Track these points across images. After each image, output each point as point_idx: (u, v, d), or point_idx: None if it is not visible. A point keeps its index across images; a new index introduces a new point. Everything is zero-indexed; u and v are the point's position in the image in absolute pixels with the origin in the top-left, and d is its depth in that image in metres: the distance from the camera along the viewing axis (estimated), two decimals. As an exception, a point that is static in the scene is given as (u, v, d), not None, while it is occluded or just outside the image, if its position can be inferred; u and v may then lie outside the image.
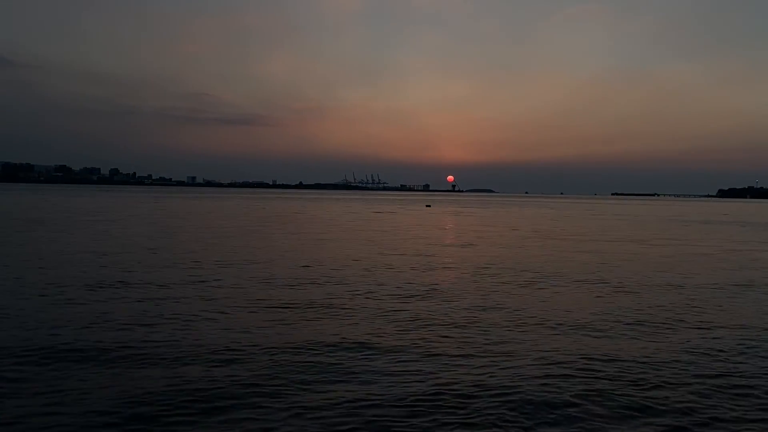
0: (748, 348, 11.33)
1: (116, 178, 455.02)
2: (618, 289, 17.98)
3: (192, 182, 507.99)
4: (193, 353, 10.15)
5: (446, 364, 9.90)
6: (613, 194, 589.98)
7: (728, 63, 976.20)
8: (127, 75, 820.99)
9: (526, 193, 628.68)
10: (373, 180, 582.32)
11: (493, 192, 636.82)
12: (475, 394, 8.51)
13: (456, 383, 8.91)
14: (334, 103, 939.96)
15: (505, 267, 22.71)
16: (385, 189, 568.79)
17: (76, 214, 53.17)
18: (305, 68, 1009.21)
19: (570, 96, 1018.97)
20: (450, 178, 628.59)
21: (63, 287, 15.98)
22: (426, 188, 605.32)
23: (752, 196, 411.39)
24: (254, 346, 10.67)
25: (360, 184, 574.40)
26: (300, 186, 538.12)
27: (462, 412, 7.90)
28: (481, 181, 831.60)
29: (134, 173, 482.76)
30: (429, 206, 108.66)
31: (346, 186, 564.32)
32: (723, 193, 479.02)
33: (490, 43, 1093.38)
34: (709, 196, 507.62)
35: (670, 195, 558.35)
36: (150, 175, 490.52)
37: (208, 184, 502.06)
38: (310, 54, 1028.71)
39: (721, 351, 11.05)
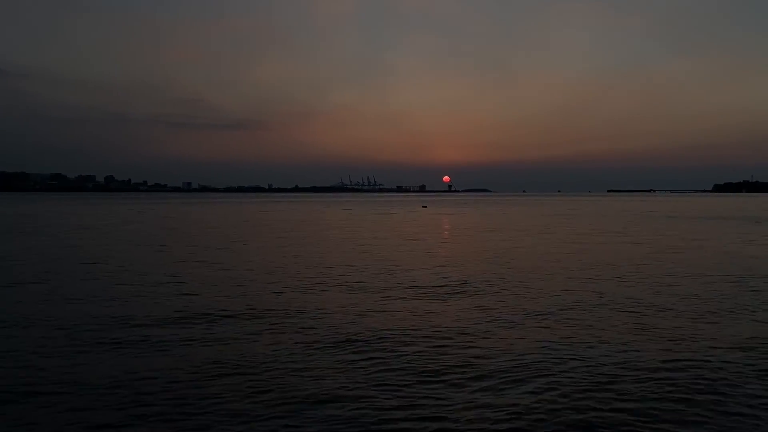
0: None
1: (112, 186, 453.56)
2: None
3: (188, 188, 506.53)
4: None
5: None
6: (608, 191, 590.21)
7: (723, 59, 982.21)
8: (120, 82, 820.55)
9: (524, 192, 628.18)
10: (369, 182, 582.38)
11: (490, 192, 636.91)
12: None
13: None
14: (328, 106, 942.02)
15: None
16: (381, 191, 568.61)
17: None
18: (298, 72, 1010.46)
19: (564, 94, 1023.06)
20: (446, 178, 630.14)
21: None
22: (422, 189, 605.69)
23: (748, 191, 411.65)
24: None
25: (356, 186, 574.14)
26: (296, 189, 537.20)
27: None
28: (477, 181, 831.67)
29: (129, 180, 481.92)
30: (425, 207, 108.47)
31: (342, 188, 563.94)
32: (718, 188, 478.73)
33: (482, 43, 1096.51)
34: (704, 191, 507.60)
35: (665, 191, 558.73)
36: (145, 182, 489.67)
37: (204, 189, 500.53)
38: (302, 57, 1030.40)
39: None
